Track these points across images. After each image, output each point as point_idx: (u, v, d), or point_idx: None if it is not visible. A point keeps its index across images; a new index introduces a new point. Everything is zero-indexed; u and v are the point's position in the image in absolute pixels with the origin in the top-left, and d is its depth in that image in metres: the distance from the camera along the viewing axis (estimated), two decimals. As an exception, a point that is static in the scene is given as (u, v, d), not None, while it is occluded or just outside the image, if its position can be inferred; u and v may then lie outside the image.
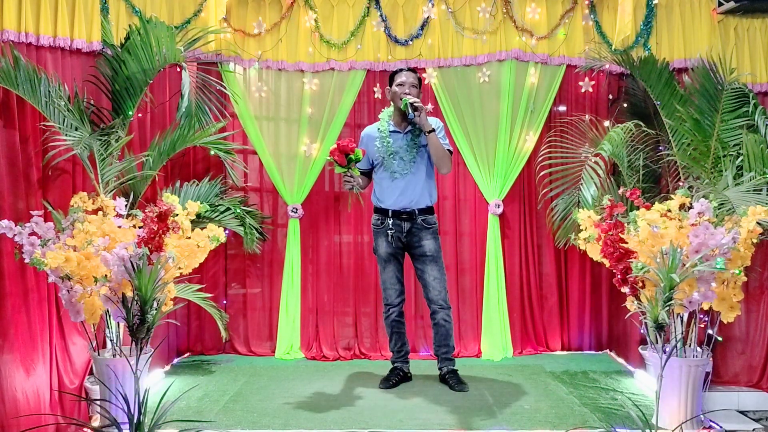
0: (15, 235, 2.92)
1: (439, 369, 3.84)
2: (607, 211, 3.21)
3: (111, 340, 3.35)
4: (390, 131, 3.68)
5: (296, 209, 4.55)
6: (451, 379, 3.75)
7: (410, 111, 3.49)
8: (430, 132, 3.53)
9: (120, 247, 2.78)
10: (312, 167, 4.54)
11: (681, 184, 3.85)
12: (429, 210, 3.72)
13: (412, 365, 3.95)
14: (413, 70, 3.72)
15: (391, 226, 3.67)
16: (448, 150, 3.65)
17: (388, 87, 3.70)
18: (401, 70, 3.67)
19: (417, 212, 3.66)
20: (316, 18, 4.46)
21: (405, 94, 3.55)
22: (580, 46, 4.50)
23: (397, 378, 3.80)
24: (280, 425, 3.17)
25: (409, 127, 3.66)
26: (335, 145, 3.36)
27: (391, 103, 3.71)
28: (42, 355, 3.25)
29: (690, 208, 3.12)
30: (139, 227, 3.17)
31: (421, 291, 3.82)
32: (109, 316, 3.31)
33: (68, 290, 2.99)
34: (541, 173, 4.44)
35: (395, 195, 3.66)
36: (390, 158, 3.64)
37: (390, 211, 3.68)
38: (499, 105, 4.50)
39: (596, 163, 4.08)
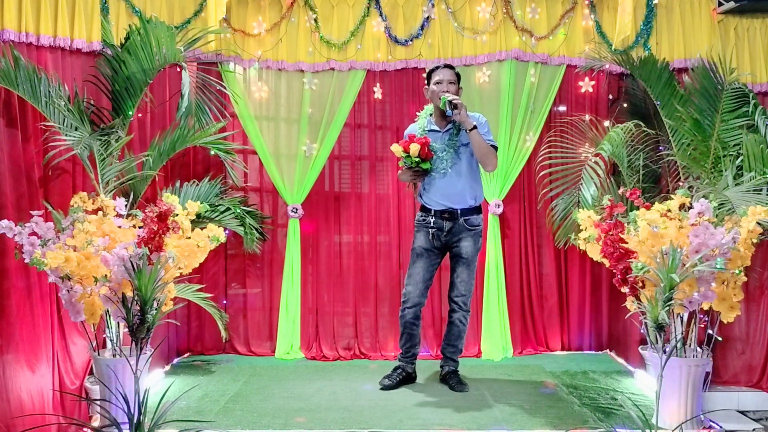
0: (15, 235, 2.92)
1: (441, 367, 3.84)
2: (607, 211, 3.21)
3: (111, 340, 3.35)
4: (428, 130, 3.62)
5: (296, 209, 4.55)
6: (451, 379, 3.75)
7: (449, 109, 3.42)
8: (471, 129, 3.46)
9: (120, 247, 2.78)
10: (312, 167, 4.54)
11: (681, 184, 3.85)
12: (472, 210, 3.65)
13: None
14: (451, 66, 3.63)
15: (432, 225, 3.64)
16: (493, 146, 3.57)
17: (426, 86, 3.65)
18: (438, 67, 3.59)
19: (459, 212, 3.62)
20: (316, 18, 4.46)
21: (444, 92, 3.49)
22: (580, 46, 4.50)
23: (400, 378, 3.77)
24: (280, 425, 3.17)
25: (449, 126, 3.60)
26: (418, 145, 3.38)
27: (431, 101, 3.67)
28: (46, 355, 3.26)
29: (690, 208, 3.12)
30: (139, 227, 3.17)
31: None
32: (109, 316, 3.31)
33: (68, 290, 2.99)
34: (541, 173, 4.44)
35: (437, 195, 3.62)
36: None
37: (432, 211, 3.65)
38: (499, 105, 4.50)
39: (596, 163, 4.09)
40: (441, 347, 3.86)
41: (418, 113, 3.76)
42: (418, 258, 3.70)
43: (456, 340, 3.76)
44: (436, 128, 3.63)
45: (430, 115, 3.68)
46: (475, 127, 3.47)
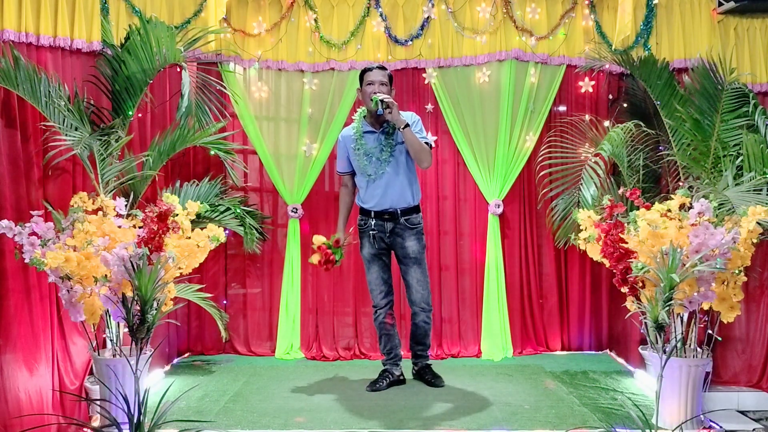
0: (15, 235, 2.92)
1: (414, 364, 3.86)
2: (607, 211, 3.21)
3: (111, 340, 3.36)
4: (364, 132, 3.63)
5: (296, 209, 4.55)
6: (426, 374, 3.81)
7: (380, 108, 3.44)
8: (404, 128, 3.47)
9: (120, 247, 2.78)
10: (312, 167, 4.54)
11: (681, 184, 3.85)
12: (412, 210, 3.66)
13: (411, 366, 3.93)
14: (383, 67, 3.64)
15: (373, 227, 3.65)
16: (427, 143, 3.58)
17: (359, 87, 3.66)
18: (370, 68, 3.60)
19: (399, 212, 3.63)
20: (316, 18, 4.46)
21: (375, 93, 3.49)
22: (580, 46, 4.50)
23: (386, 381, 3.75)
24: (280, 425, 3.17)
25: (383, 126, 3.60)
26: (319, 258, 3.56)
27: (363, 103, 3.67)
28: (45, 355, 3.26)
29: (690, 208, 3.12)
30: (139, 227, 3.17)
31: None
32: (109, 316, 3.31)
33: (68, 290, 2.98)
34: (541, 173, 4.44)
35: (376, 197, 3.62)
36: (365, 159, 3.60)
37: (372, 212, 3.65)
38: (499, 105, 4.50)
39: (596, 163, 4.09)
40: (410, 346, 3.87)
41: (353, 117, 3.75)
42: (370, 264, 3.74)
43: (424, 339, 3.80)
44: (371, 129, 3.63)
45: (364, 117, 3.67)
46: (407, 125, 3.48)
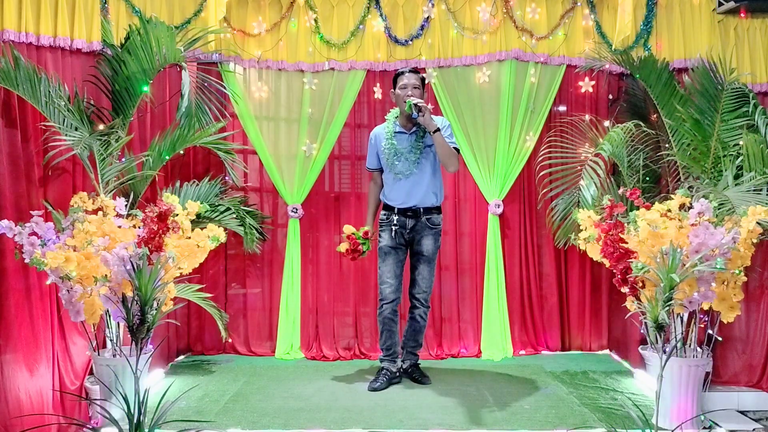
0: (15, 235, 2.92)
1: (403, 361, 3.89)
2: (607, 211, 3.21)
3: (111, 340, 3.36)
4: (395, 132, 3.75)
5: (296, 209, 4.55)
6: (414, 372, 3.87)
7: (414, 111, 3.55)
8: (435, 132, 3.57)
9: (120, 247, 2.78)
10: (312, 167, 4.54)
11: (681, 184, 3.85)
12: (434, 210, 3.78)
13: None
14: (416, 70, 3.79)
15: (395, 222, 3.74)
16: (455, 148, 3.70)
17: (392, 90, 3.75)
18: (403, 72, 3.72)
19: (422, 211, 3.72)
20: (316, 18, 4.46)
21: (408, 96, 3.60)
22: (580, 46, 4.50)
23: (385, 379, 3.77)
24: (280, 425, 3.17)
25: (414, 128, 3.72)
26: (347, 247, 3.74)
27: (396, 105, 3.77)
28: (45, 355, 3.26)
29: (690, 208, 3.12)
30: (139, 227, 3.17)
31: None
32: (109, 316, 3.31)
33: (68, 290, 2.99)
34: (541, 173, 4.44)
35: (402, 195, 3.73)
36: (394, 159, 3.71)
37: (396, 209, 3.75)
38: (499, 105, 4.50)
39: (596, 163, 4.08)
40: (402, 342, 3.91)
41: (386, 117, 3.85)
42: (386, 256, 3.79)
43: (417, 336, 3.87)
44: (402, 130, 3.75)
45: (396, 117, 3.78)
46: (438, 129, 3.57)
